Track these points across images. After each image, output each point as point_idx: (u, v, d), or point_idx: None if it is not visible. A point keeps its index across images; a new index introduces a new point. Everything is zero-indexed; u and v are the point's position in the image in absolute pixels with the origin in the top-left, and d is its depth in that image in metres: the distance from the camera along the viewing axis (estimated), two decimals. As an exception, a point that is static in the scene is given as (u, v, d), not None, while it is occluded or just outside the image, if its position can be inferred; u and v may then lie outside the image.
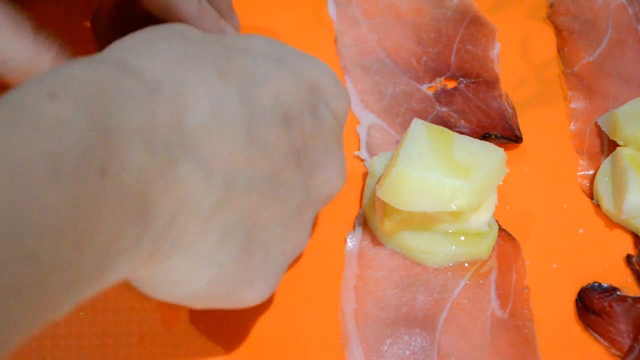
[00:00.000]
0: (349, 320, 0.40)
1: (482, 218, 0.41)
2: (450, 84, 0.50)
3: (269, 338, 0.40)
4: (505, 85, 0.50)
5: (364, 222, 0.44)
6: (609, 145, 0.47)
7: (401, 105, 0.49)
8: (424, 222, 0.41)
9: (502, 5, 0.54)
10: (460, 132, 0.45)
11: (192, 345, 0.40)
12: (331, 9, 0.54)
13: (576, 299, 0.41)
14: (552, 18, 0.54)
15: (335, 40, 0.52)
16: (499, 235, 0.43)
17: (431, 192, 0.38)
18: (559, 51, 0.52)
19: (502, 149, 0.41)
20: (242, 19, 0.53)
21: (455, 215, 0.40)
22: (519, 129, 0.47)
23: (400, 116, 0.48)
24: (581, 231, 0.44)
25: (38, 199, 0.19)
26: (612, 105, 0.49)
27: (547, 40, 0.53)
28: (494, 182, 0.40)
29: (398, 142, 0.46)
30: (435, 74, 0.50)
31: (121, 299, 0.41)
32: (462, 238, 0.41)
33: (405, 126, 0.47)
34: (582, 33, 0.52)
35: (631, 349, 0.39)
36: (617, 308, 0.40)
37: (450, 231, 0.41)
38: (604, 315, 0.40)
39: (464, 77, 0.50)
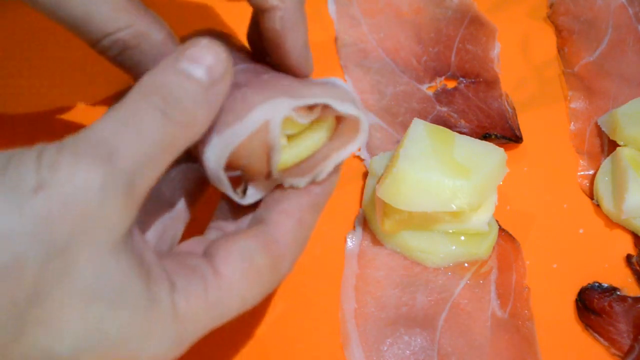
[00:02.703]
0: (349, 320, 0.40)
1: (482, 218, 0.41)
2: (451, 84, 0.50)
3: (269, 338, 0.40)
4: (505, 85, 0.50)
5: (364, 222, 0.44)
6: (609, 145, 0.47)
7: (401, 105, 0.49)
8: (424, 222, 0.41)
9: (502, 5, 0.54)
10: (460, 132, 0.45)
11: (192, 345, 0.40)
12: (331, 8, 0.54)
13: (576, 299, 0.41)
14: (552, 18, 0.54)
15: (335, 40, 0.52)
16: (499, 235, 0.43)
17: (431, 192, 0.38)
18: (559, 51, 0.52)
19: (502, 149, 0.41)
20: (242, 18, 0.53)
21: (455, 215, 0.40)
22: (519, 129, 0.47)
23: (400, 116, 0.48)
24: (581, 231, 0.44)
25: None
26: (612, 105, 0.49)
27: (547, 40, 0.53)
28: (494, 182, 0.40)
29: (398, 142, 0.46)
30: (435, 73, 0.50)
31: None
32: (462, 238, 0.41)
33: (405, 126, 0.47)
34: (582, 33, 0.52)
35: (631, 349, 0.39)
36: (617, 308, 0.40)
37: (450, 231, 0.41)
38: (604, 315, 0.40)
39: (464, 77, 0.50)
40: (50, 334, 0.23)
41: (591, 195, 0.46)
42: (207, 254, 0.28)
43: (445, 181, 0.38)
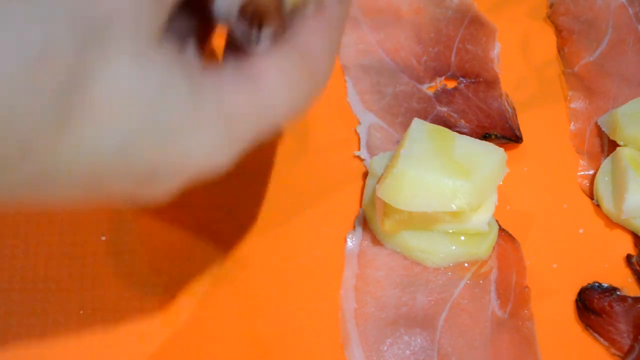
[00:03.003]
0: (349, 320, 0.40)
1: (482, 218, 0.41)
2: (451, 84, 0.50)
3: (269, 338, 0.40)
4: (505, 85, 0.50)
5: (364, 222, 0.44)
6: (609, 145, 0.47)
7: (401, 105, 0.49)
8: (424, 222, 0.41)
9: (502, 5, 0.54)
10: (460, 132, 0.45)
11: (192, 345, 0.40)
12: (331, 9, 0.54)
13: (576, 299, 0.41)
14: (552, 18, 0.54)
15: (335, 40, 0.52)
16: (499, 235, 0.43)
17: (431, 192, 0.38)
18: (559, 51, 0.52)
19: (502, 149, 0.41)
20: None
21: (455, 215, 0.40)
22: (519, 129, 0.47)
23: (400, 116, 0.48)
24: (581, 231, 0.44)
25: None
26: (612, 105, 0.49)
27: (547, 40, 0.53)
28: (494, 182, 0.40)
29: (398, 142, 0.46)
30: (435, 73, 0.50)
31: (121, 298, 0.41)
32: (462, 238, 0.41)
33: (405, 126, 0.47)
34: (582, 33, 0.52)
35: (631, 349, 0.39)
36: (617, 308, 0.40)
37: (450, 231, 0.41)
38: (604, 315, 0.40)
39: (464, 77, 0.50)
40: (97, 124, 0.23)
41: (591, 195, 0.46)
42: (245, 63, 0.28)
43: (445, 181, 0.38)
